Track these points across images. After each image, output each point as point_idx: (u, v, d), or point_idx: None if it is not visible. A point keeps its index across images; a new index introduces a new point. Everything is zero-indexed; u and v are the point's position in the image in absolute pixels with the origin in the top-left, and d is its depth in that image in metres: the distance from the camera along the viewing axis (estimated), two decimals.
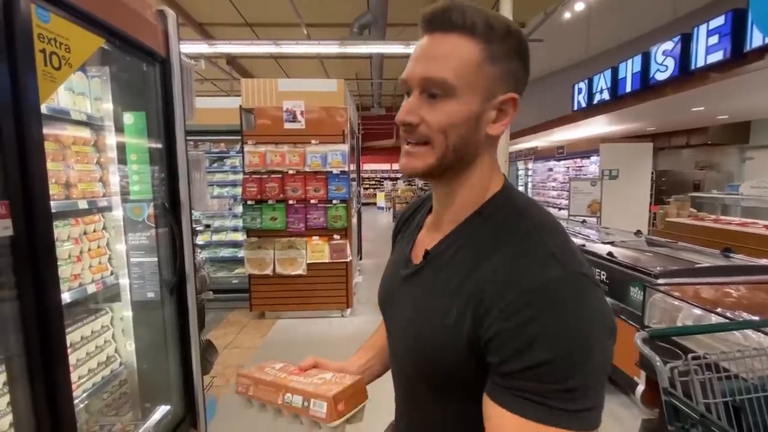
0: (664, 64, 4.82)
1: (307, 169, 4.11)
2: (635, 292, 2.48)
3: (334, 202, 4.16)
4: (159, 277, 1.64)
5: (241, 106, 4.06)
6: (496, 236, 0.54)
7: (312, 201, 4.15)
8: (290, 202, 4.13)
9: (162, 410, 1.69)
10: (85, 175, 1.51)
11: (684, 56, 4.56)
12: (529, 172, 12.41)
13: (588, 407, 0.45)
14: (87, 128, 1.55)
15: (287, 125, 4.09)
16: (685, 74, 4.57)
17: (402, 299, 0.64)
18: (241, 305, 4.43)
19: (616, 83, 5.66)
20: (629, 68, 5.34)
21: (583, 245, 3.32)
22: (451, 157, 0.55)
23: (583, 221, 4.94)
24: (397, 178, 19.38)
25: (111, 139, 1.62)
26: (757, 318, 1.72)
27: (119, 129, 1.62)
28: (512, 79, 0.54)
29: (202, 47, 6.85)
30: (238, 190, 4.82)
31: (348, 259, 4.22)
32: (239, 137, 4.15)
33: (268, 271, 4.14)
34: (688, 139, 8.68)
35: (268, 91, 4.13)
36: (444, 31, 0.52)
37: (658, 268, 2.43)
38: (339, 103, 4.15)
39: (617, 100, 5.69)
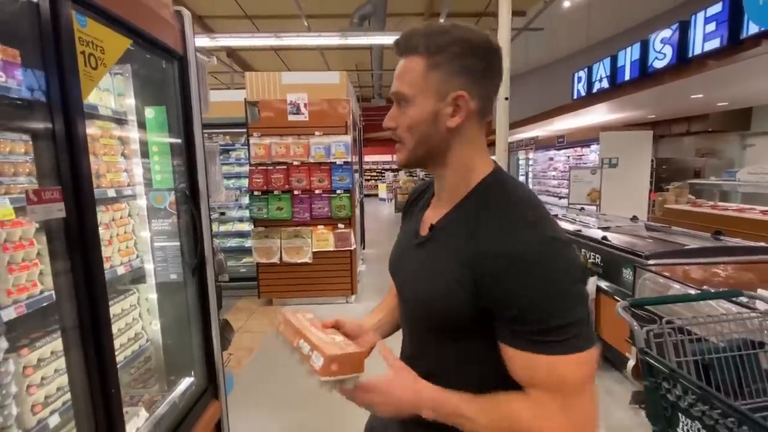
0: (662, 51, 4.87)
1: (311, 160, 4.23)
2: (627, 273, 2.60)
3: (338, 192, 4.29)
4: (181, 260, 1.77)
5: (246, 99, 4.16)
6: (486, 211, 0.66)
7: (316, 191, 4.27)
8: (295, 192, 4.26)
9: (186, 382, 1.84)
10: (112, 165, 1.64)
11: (682, 44, 4.62)
12: (530, 162, 12.47)
13: (573, 335, 0.58)
14: (112, 122, 1.67)
15: (291, 117, 4.20)
16: (683, 62, 4.63)
17: (411, 263, 0.77)
18: (250, 293, 4.59)
19: (615, 71, 5.72)
20: (628, 56, 5.40)
21: (579, 231, 3.44)
22: (420, 149, 0.69)
23: (582, 209, 5.05)
24: (398, 169, 19.44)
25: (134, 132, 1.74)
26: None
27: (141, 123, 1.74)
28: (466, 78, 0.65)
29: (203, 41, 6.91)
30: (244, 182, 4.95)
31: (352, 247, 4.36)
32: (244, 130, 4.26)
33: (275, 260, 4.28)
34: (689, 126, 8.72)
35: (271, 84, 4.22)
36: (402, 55, 0.69)
37: (649, 250, 2.55)
38: (341, 95, 4.24)
39: (616, 88, 5.75)
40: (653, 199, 7.69)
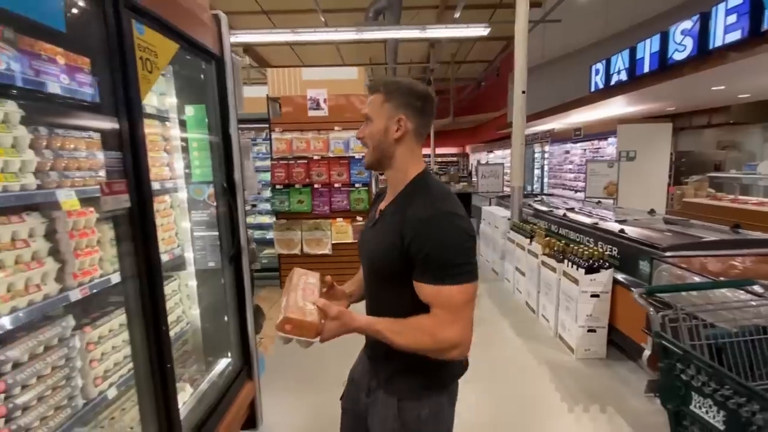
0: (682, 43, 4.80)
1: (331, 155, 4.33)
2: (644, 265, 2.64)
3: (357, 185, 4.39)
4: (219, 249, 1.90)
5: (267, 95, 4.28)
6: (412, 199, 0.98)
7: (336, 185, 4.38)
8: (315, 186, 4.38)
9: (223, 362, 1.98)
10: (156, 160, 1.76)
11: (702, 36, 4.54)
12: (546, 155, 12.36)
13: (460, 273, 0.90)
14: (156, 120, 1.80)
15: (311, 113, 4.30)
16: (704, 54, 4.56)
17: (368, 238, 1.09)
18: (271, 283, 4.74)
19: (634, 63, 5.64)
20: (647, 48, 5.32)
21: (596, 223, 3.47)
22: (377, 151, 1.02)
23: (599, 202, 5.04)
24: None
25: (175, 129, 1.86)
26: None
27: (181, 121, 1.86)
28: (405, 109, 0.99)
29: None
30: (264, 176, 5.09)
31: None
32: (266, 125, 4.38)
33: (296, 251, 4.42)
34: (710, 118, 8.53)
35: (292, 80, 4.33)
36: (370, 93, 1.04)
37: (667, 243, 2.58)
38: (359, 89, 4.32)
39: (635, 80, 5.67)
40: (671, 193, 7.59)
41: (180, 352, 2.13)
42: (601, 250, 3.13)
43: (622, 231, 3.04)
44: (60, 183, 1.25)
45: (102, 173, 1.28)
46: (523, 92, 4.60)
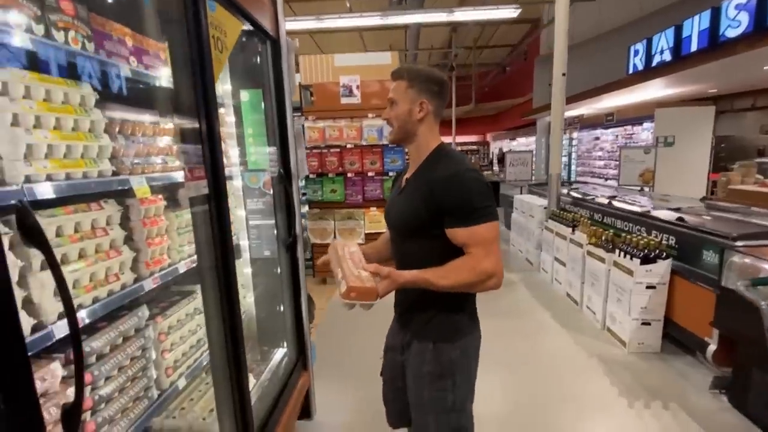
0: (736, 19, 4.49)
1: (364, 143, 4.25)
2: (710, 256, 2.49)
3: (390, 174, 4.30)
4: (274, 238, 1.86)
5: (300, 83, 4.21)
6: (435, 164, 1.16)
7: (369, 173, 4.31)
8: (348, 175, 4.32)
9: (280, 353, 1.95)
10: None
11: (760, 10, 4.23)
12: (573, 142, 11.99)
13: (485, 214, 1.07)
14: None
15: (344, 100, 4.22)
16: (761, 30, 4.25)
17: (396, 204, 1.24)
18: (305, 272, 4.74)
19: (679, 42, 5.33)
20: (695, 25, 5.00)
21: (648, 211, 3.30)
22: (402, 130, 1.19)
23: (641, 189, 4.82)
24: None
25: (230, 115, 1.81)
26: None
27: (237, 105, 1.80)
28: (428, 93, 1.16)
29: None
30: None
31: None
32: (299, 114, 4.32)
33: (329, 240, 4.38)
34: (755, 100, 8.05)
35: (324, 67, 4.24)
36: (394, 79, 1.20)
37: (737, 231, 2.42)
38: None
39: (680, 60, 5.36)
40: (714, 180, 7.23)
41: None
42: (654, 239, 2.97)
43: (680, 219, 2.88)
44: (132, 169, 1.21)
45: (175, 160, 1.24)
46: (564, 75, 4.40)
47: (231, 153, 1.84)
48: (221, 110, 1.83)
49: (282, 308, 1.95)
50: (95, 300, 1.05)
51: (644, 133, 8.44)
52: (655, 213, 3.23)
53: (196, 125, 1.05)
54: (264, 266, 1.92)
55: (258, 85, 1.75)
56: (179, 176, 1.28)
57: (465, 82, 14.84)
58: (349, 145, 4.25)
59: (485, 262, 1.06)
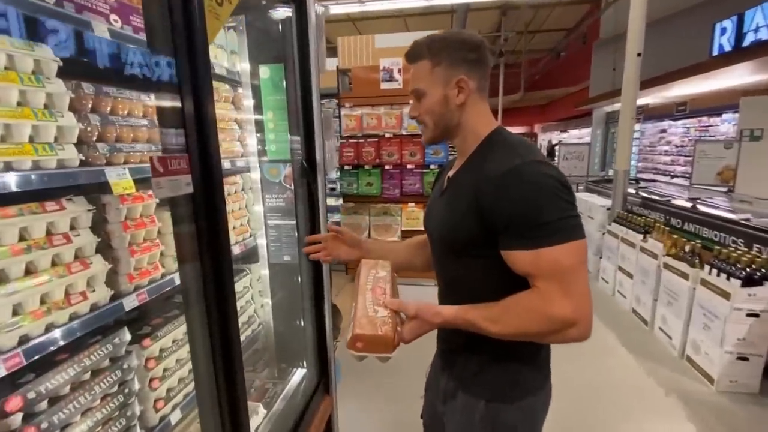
0: None
1: (404, 132, 3.90)
2: None
3: (432, 167, 3.93)
4: (295, 240, 1.58)
5: (338, 67, 3.92)
6: (486, 156, 0.85)
7: (408, 166, 3.96)
8: (386, 167, 3.99)
9: (299, 374, 1.69)
10: (226, 133, 1.46)
11: None
12: (635, 135, 10.90)
13: (563, 228, 0.74)
14: (226, 84, 1.48)
15: (384, 85, 3.87)
16: None
17: (436, 209, 0.95)
18: (337, 267, 4.50)
19: None
20: None
21: (747, 219, 2.72)
22: (438, 126, 0.89)
23: (728, 191, 4.12)
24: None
25: (248, 96, 1.54)
26: None
27: (255, 85, 1.53)
28: (463, 67, 0.85)
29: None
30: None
31: None
32: (330, 99, 4.04)
33: (364, 236, 4.10)
34: None
35: (364, 48, 3.92)
36: (412, 63, 0.89)
37: None
38: None
39: None
40: None
41: (250, 353, 1.88)
42: (762, 256, 2.41)
43: None
44: (110, 158, 0.96)
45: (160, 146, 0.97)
46: (639, 55, 3.78)
47: (248, 141, 1.57)
48: (239, 90, 1.57)
49: (303, 322, 1.68)
50: (50, 327, 0.81)
51: (723, 125, 7.42)
52: (759, 222, 2.64)
53: (176, 102, 0.76)
54: (283, 273, 1.65)
55: (281, 59, 1.46)
56: (184, 177, 1.01)
57: (514, 69, 13.97)
58: (387, 135, 3.91)
59: (560, 303, 0.73)
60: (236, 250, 1.47)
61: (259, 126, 1.57)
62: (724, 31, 5.50)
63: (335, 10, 7.26)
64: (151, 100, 1.04)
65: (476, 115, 0.89)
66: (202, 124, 0.79)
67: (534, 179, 0.76)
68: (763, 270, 2.28)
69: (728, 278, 2.33)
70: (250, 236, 1.60)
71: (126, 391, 1.00)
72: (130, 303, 0.99)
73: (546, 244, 0.74)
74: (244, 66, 1.51)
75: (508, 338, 0.78)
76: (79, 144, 0.89)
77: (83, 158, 0.89)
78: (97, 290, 0.92)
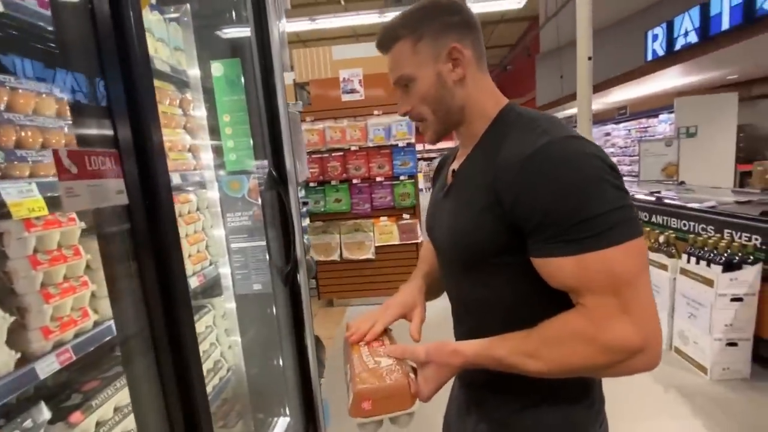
0: None
1: (370, 144, 3.75)
2: None
3: (401, 178, 3.80)
4: (267, 265, 1.34)
5: (294, 80, 3.73)
6: (501, 137, 0.68)
7: (377, 179, 3.80)
8: (354, 181, 3.81)
9: (282, 424, 1.42)
10: (175, 143, 1.21)
11: None
12: None
13: (612, 225, 0.55)
14: (170, 84, 1.25)
15: (345, 97, 3.73)
16: None
17: (441, 213, 0.78)
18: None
19: (707, 22, 4.87)
20: (726, 1, 4.56)
21: (714, 207, 2.79)
22: (440, 113, 0.72)
23: (681, 182, 4.33)
24: (431, 158, 18.82)
25: (198, 98, 1.31)
26: None
27: (206, 88, 1.30)
28: (451, 33, 0.69)
29: None
30: None
31: (419, 240, 3.87)
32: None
33: (335, 257, 3.86)
34: None
35: (321, 60, 3.77)
36: (385, 50, 0.74)
37: None
38: None
39: (708, 41, 4.91)
40: (743, 171, 6.75)
41: (219, 404, 1.58)
42: (731, 239, 2.45)
43: (766, 213, 2.36)
44: (7, 170, 0.70)
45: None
46: (590, 59, 3.92)
47: (202, 151, 1.33)
48: (187, 93, 1.33)
49: (281, 361, 1.42)
50: None
51: (661, 125, 7.98)
52: (723, 209, 2.71)
53: (92, 72, 0.54)
54: (254, 305, 1.39)
55: (236, 52, 1.25)
56: (113, 181, 0.76)
57: None
58: (353, 148, 3.75)
59: (619, 325, 0.55)
60: (194, 282, 1.21)
61: (215, 134, 1.34)
62: (656, 37, 5.93)
63: (288, 27, 7.10)
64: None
65: (480, 91, 0.72)
66: (137, 103, 0.57)
67: (571, 160, 0.58)
68: (740, 254, 2.31)
69: (709, 265, 2.33)
70: (211, 265, 1.34)
71: None
72: (46, 367, 0.72)
73: (593, 247, 0.56)
74: (192, 62, 1.29)
75: (553, 376, 0.61)
76: None
77: None
78: None
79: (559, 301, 0.62)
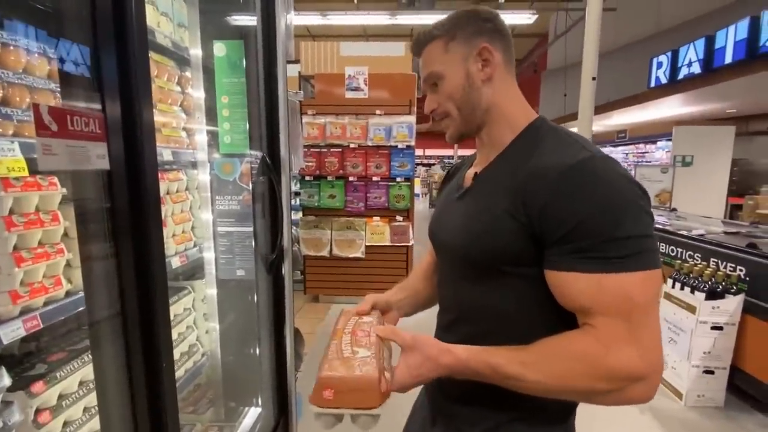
0: None
1: (370, 143, 3.75)
2: None
3: (398, 180, 3.80)
4: (252, 251, 1.32)
5: (300, 72, 3.72)
6: (533, 146, 0.67)
7: (374, 178, 3.80)
8: (350, 178, 3.80)
9: (252, 415, 1.39)
10: (170, 117, 1.19)
11: None
12: None
13: (637, 251, 0.56)
14: (171, 60, 1.23)
15: (349, 94, 3.72)
16: None
17: (453, 213, 0.77)
18: (294, 287, 4.17)
19: (711, 54, 4.95)
20: (731, 36, 4.63)
21: (702, 235, 2.82)
22: (465, 112, 0.72)
23: (673, 209, 4.37)
24: (431, 164, 18.84)
25: (198, 77, 1.29)
26: None
27: (207, 64, 1.29)
28: (482, 36, 0.70)
29: None
30: None
31: (410, 243, 3.87)
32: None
33: (325, 253, 3.84)
34: None
35: (329, 55, 3.76)
36: (420, 51, 0.75)
37: None
38: (406, 68, 3.74)
39: (711, 73, 4.99)
40: (734, 204, 6.84)
41: (191, 389, 1.55)
42: (717, 269, 2.48)
43: (752, 246, 2.39)
44: None
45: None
46: (594, 79, 3.96)
47: (196, 131, 1.31)
48: (187, 72, 1.31)
49: (258, 350, 1.40)
50: None
51: (658, 152, 8.08)
52: (712, 237, 2.74)
53: (81, 29, 0.52)
54: (235, 291, 1.37)
55: (239, 33, 1.24)
56: (95, 144, 0.73)
57: None
58: (352, 145, 3.74)
59: (626, 351, 0.55)
60: (176, 262, 1.19)
61: (211, 117, 1.32)
62: (660, 65, 6.02)
63: (295, 20, 7.09)
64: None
65: (508, 97, 0.72)
66: (129, 67, 0.56)
67: (613, 179, 0.58)
68: (724, 283, 2.33)
69: (692, 291, 2.35)
70: (195, 247, 1.32)
71: None
72: (11, 332, 0.69)
73: (616, 269, 0.55)
74: (194, 40, 1.27)
75: (544, 394, 0.59)
76: None
77: None
78: None
79: (564, 321, 0.61)
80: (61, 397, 0.83)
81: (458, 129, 0.74)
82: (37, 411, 0.78)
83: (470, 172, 0.78)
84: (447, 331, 0.78)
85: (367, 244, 3.84)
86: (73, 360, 0.87)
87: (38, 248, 0.76)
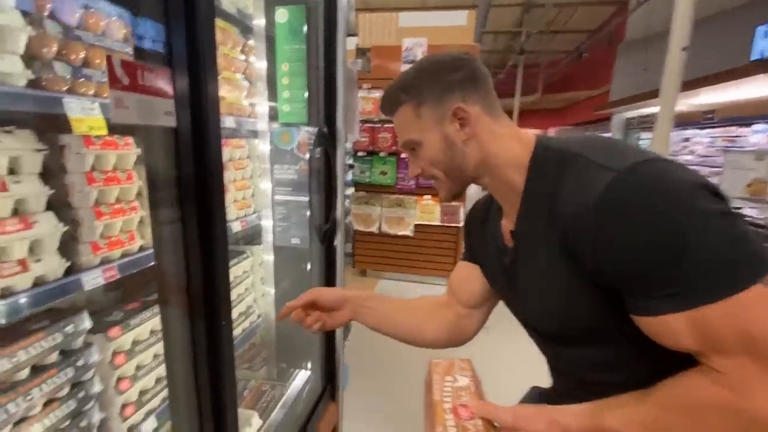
0: None
1: None
2: None
3: None
4: (306, 221, 1.34)
5: (357, 45, 3.67)
6: (550, 183, 0.58)
7: None
8: (402, 155, 3.74)
9: (301, 377, 1.45)
10: (233, 86, 1.21)
11: None
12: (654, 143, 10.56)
13: (724, 269, 0.45)
14: (235, 27, 1.24)
15: (406, 68, 3.61)
16: None
17: (520, 288, 0.68)
18: (344, 260, 4.27)
19: None
20: None
21: None
22: (453, 174, 0.68)
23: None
24: None
25: (261, 45, 1.29)
26: None
27: (269, 33, 1.28)
28: (455, 93, 0.64)
29: None
30: None
31: (460, 224, 3.76)
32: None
33: (374, 229, 3.86)
34: None
35: (386, 26, 3.66)
36: (390, 113, 0.70)
37: None
38: (467, 39, 3.54)
39: None
40: None
41: (247, 348, 1.65)
42: None
43: None
44: (73, 86, 0.72)
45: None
46: (684, 49, 3.48)
47: (257, 99, 1.33)
48: (249, 38, 1.32)
49: None
50: None
51: (755, 136, 7.08)
52: None
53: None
54: (290, 258, 1.41)
55: (302, 3, 1.22)
56: (162, 100, 0.76)
57: (532, 69, 13.62)
58: None
59: (759, 388, 0.45)
60: (236, 226, 1.23)
61: (271, 86, 1.33)
62: (766, 34, 5.17)
63: None
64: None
65: (498, 140, 0.65)
66: (194, 21, 0.55)
67: (649, 193, 0.48)
68: None
69: None
70: (254, 213, 1.36)
71: (81, 395, 0.77)
72: (92, 280, 0.75)
73: (708, 299, 0.45)
74: (258, 11, 1.27)
75: None
76: (28, 58, 0.65)
77: (33, 77, 0.65)
78: (45, 259, 0.69)
79: (667, 358, 0.52)
80: (134, 342, 0.91)
81: (450, 190, 0.70)
82: (114, 353, 0.86)
83: (504, 226, 0.71)
84: (556, 375, 0.75)
85: (417, 222, 3.80)
86: (145, 310, 0.94)
87: (115, 204, 0.82)
